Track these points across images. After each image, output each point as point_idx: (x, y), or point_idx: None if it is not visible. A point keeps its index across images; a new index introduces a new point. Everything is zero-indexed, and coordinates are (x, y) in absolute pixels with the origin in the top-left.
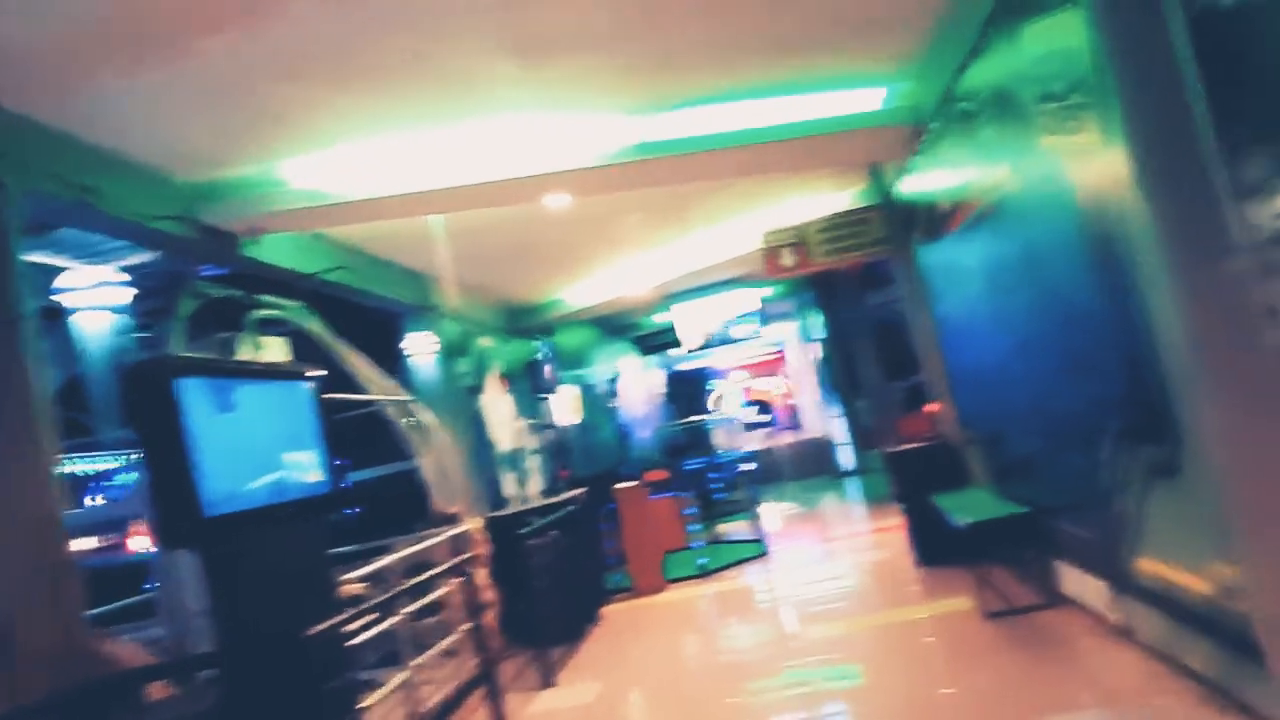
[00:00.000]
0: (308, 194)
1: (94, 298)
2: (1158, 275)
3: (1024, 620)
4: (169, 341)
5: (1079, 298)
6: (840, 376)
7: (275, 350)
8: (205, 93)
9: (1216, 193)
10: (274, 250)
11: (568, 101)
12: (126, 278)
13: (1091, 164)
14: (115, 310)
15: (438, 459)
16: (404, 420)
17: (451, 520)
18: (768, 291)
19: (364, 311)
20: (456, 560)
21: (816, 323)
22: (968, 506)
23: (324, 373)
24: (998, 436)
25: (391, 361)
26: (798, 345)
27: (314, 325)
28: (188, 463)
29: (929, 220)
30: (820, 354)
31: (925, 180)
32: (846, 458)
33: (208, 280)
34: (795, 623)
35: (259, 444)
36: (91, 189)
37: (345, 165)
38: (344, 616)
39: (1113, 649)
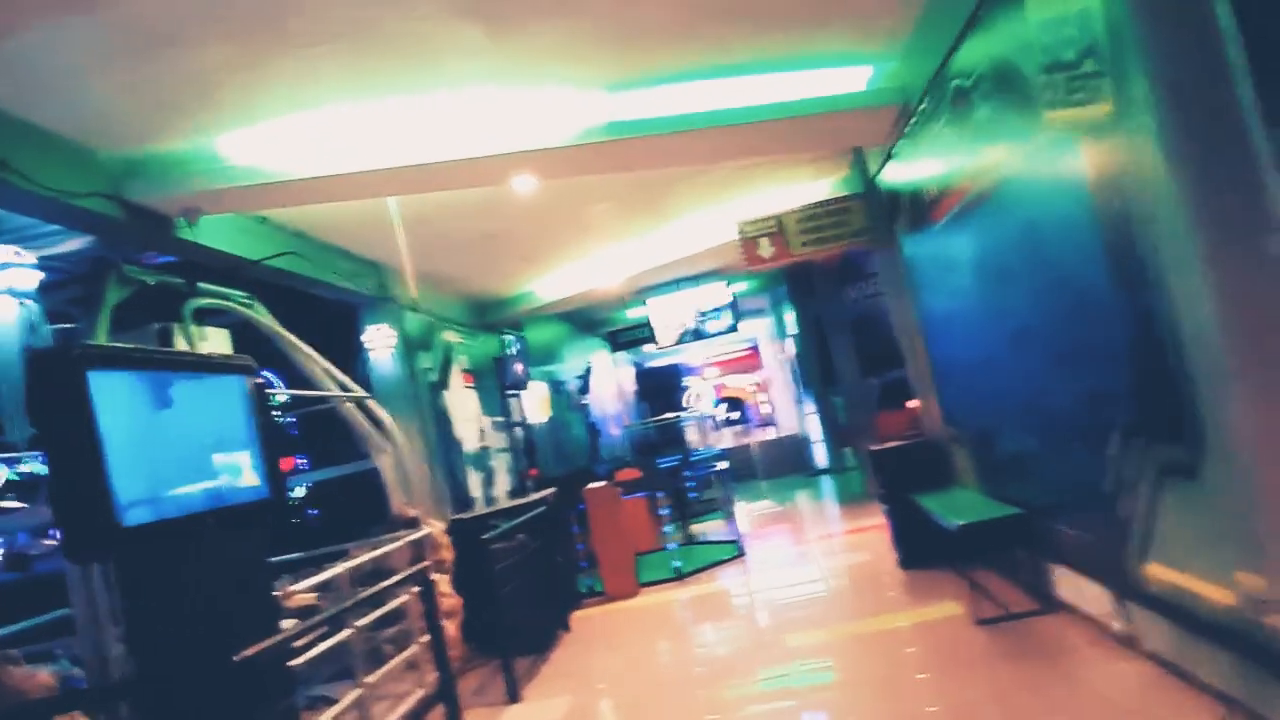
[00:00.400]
0: (248, 172)
1: None
2: (1185, 258)
3: (1018, 627)
4: (93, 333)
5: (1085, 284)
6: (815, 373)
7: (217, 343)
8: (127, 53)
9: (1257, 165)
10: (213, 234)
11: (535, 74)
12: (32, 259)
13: (1106, 138)
14: (22, 296)
15: (397, 459)
16: (359, 418)
17: (412, 524)
18: (742, 286)
19: (318, 303)
20: (416, 568)
21: (790, 318)
22: (956, 507)
23: (259, 367)
24: (986, 433)
25: (349, 356)
26: (771, 342)
27: (261, 316)
28: (99, 464)
29: (914, 208)
30: (794, 350)
31: (911, 166)
32: (821, 456)
33: (140, 266)
34: (774, 629)
35: (186, 444)
36: None
37: (290, 140)
38: (285, 635)
39: (1117, 659)
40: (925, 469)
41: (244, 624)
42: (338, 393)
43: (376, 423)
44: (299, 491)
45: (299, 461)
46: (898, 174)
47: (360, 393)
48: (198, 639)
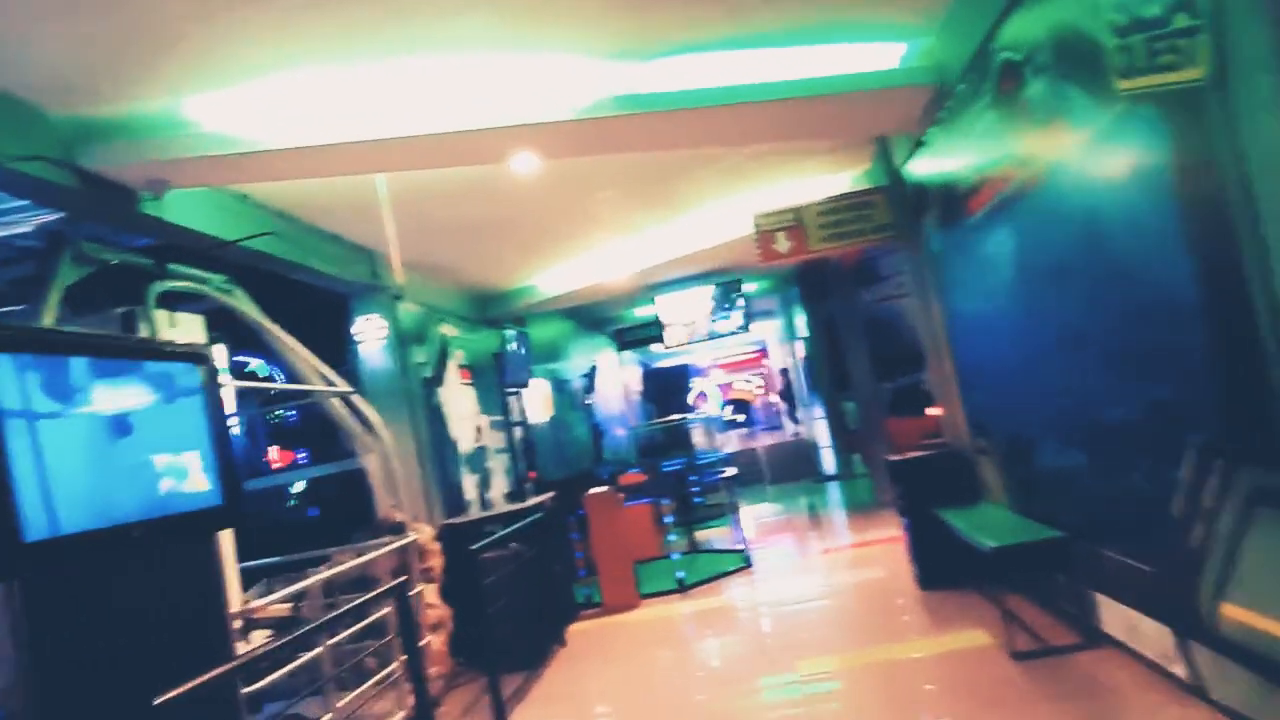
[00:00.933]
0: (219, 139)
1: None
2: None
3: (1058, 663)
4: (38, 315)
5: (1160, 281)
6: (825, 376)
7: (189, 330)
8: None
9: None
10: (184, 210)
11: (538, 39)
12: None
13: (1198, 108)
14: None
15: (384, 459)
16: (345, 414)
17: (397, 529)
18: (752, 287)
19: (307, 292)
20: (394, 583)
21: (800, 321)
22: (986, 525)
23: (252, 355)
24: (1021, 445)
25: (339, 348)
26: (780, 344)
27: (241, 303)
28: None
29: (946, 202)
30: (804, 353)
31: (944, 155)
32: (829, 462)
33: (102, 244)
34: (783, 651)
35: (118, 443)
36: None
37: (266, 106)
38: (231, 665)
39: (1178, 707)
40: (948, 481)
41: (185, 650)
42: (321, 387)
43: (363, 420)
44: (298, 487)
45: (299, 456)
46: (927, 165)
47: (344, 387)
48: (119, 673)
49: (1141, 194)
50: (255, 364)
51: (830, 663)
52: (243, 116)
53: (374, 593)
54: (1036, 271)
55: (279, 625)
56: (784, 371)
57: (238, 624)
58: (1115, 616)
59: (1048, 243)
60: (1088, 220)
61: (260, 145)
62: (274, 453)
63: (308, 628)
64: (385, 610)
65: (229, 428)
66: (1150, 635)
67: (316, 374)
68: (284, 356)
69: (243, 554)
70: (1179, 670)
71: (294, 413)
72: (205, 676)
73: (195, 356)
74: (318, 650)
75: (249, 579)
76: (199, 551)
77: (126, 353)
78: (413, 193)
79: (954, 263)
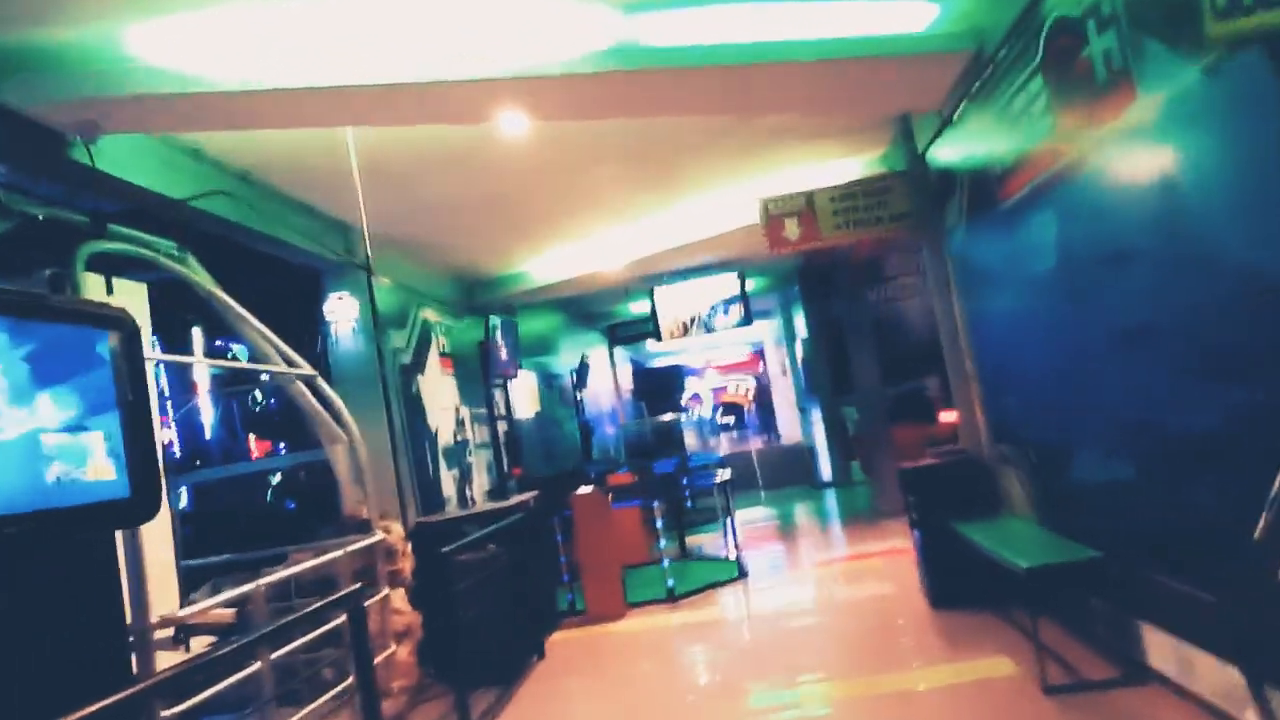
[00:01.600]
0: (163, 75)
1: None
2: None
3: (1099, 702)
4: None
5: (1259, 264)
6: (825, 379)
7: (129, 299)
8: None
9: None
10: (123, 159)
11: None
12: None
13: None
14: None
15: (352, 450)
16: (310, 401)
17: (363, 528)
18: (751, 284)
19: (275, 266)
20: (351, 589)
21: (800, 321)
22: (1012, 542)
23: (130, 317)
24: (1056, 454)
25: (311, 330)
26: (777, 346)
27: (195, 273)
28: None
29: (975, 186)
30: (802, 354)
31: (976, 133)
32: (826, 468)
33: (23, 195)
34: (780, 673)
35: None
36: None
37: (220, 41)
38: (133, 690)
39: None
40: (966, 492)
41: (70, 671)
42: (280, 368)
43: (329, 406)
44: (278, 479)
45: (278, 446)
46: (955, 145)
47: (306, 369)
48: None
49: (1236, 161)
50: (238, 348)
51: (835, 689)
52: (191, 52)
53: (323, 602)
54: (1087, 259)
55: (224, 633)
56: (760, 379)
57: (168, 632)
58: (1163, 649)
59: (1105, 226)
60: (1162, 197)
61: (207, 84)
62: (253, 442)
63: (249, 638)
64: (340, 619)
65: (148, 406)
66: (1209, 674)
67: (277, 354)
68: (244, 335)
69: (220, 547)
70: (1249, 717)
71: (274, 401)
72: (138, 686)
73: (106, 320)
74: (256, 665)
75: (200, 579)
76: (97, 552)
77: (20, 310)
78: (393, 162)
79: (981, 254)
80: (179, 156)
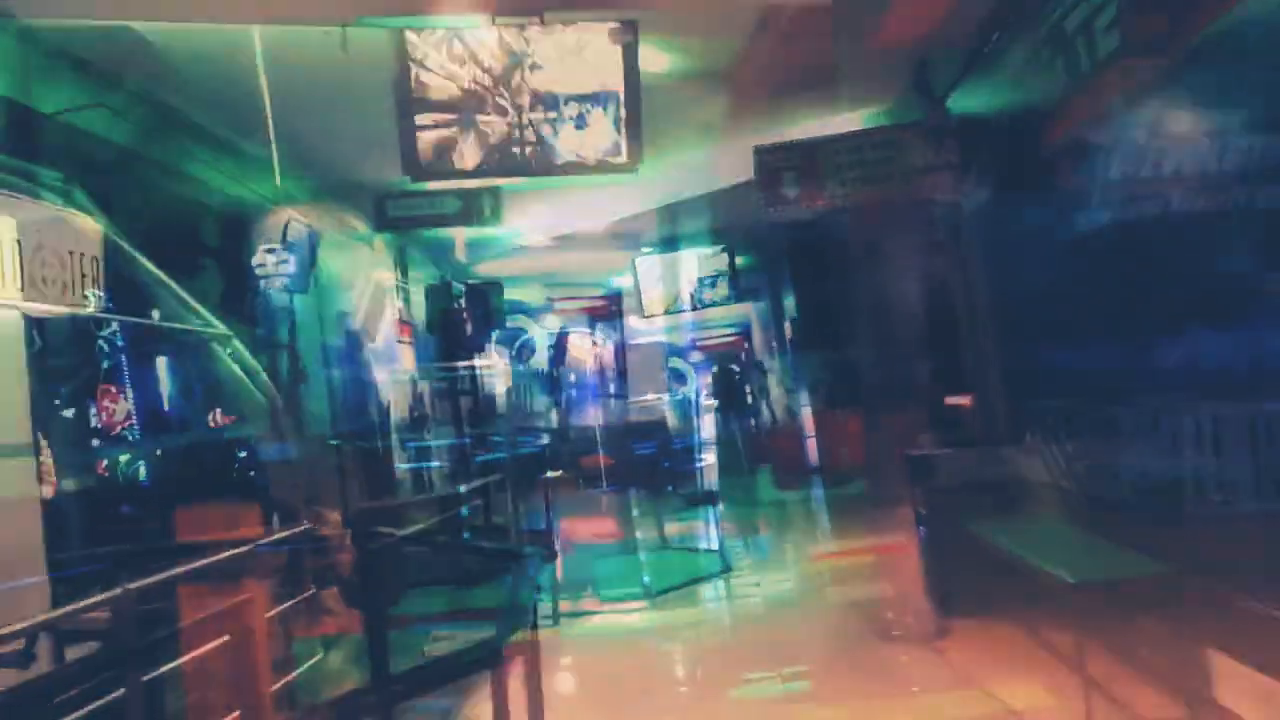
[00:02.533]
0: None
1: None
2: None
3: None
4: None
5: None
6: (815, 363)
7: None
8: None
9: None
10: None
11: None
12: None
13: None
14: None
15: (277, 426)
16: (230, 367)
17: (290, 516)
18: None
19: (198, 212)
20: (237, 599)
21: (788, 301)
22: (1048, 549)
23: None
24: (1104, 446)
25: (240, 285)
26: (764, 328)
27: (83, 211)
28: None
29: (1010, 135)
30: (790, 335)
31: (1015, 68)
32: (814, 454)
33: None
34: (769, 696)
35: None
36: None
37: None
38: None
39: None
40: (984, 487)
41: None
42: (180, 325)
43: (250, 374)
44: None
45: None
46: (982, 89)
47: (220, 329)
48: None
49: None
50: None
51: (836, 714)
52: None
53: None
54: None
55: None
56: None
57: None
58: (1242, 687)
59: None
60: None
61: None
62: (219, 415)
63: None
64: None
65: None
66: None
67: (189, 312)
68: (148, 287)
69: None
70: None
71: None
72: None
73: None
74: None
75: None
76: None
77: None
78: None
79: (1013, 215)
80: (38, 57)
